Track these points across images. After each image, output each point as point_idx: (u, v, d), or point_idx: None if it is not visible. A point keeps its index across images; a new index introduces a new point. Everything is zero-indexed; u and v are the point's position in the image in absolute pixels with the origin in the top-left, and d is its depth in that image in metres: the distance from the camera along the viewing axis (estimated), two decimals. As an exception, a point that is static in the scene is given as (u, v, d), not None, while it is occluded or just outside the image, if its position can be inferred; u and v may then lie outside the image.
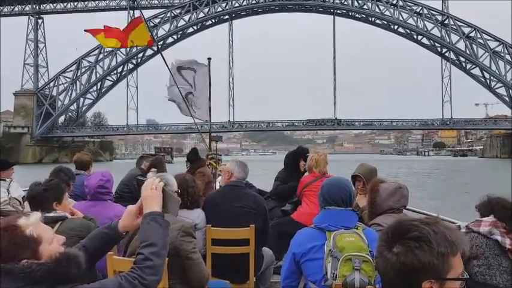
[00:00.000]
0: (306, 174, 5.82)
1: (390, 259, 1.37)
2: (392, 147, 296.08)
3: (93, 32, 6.29)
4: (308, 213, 4.92)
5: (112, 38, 6.32)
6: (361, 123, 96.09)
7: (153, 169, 6.41)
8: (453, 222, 3.72)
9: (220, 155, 8.19)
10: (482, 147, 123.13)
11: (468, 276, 1.39)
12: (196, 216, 4.08)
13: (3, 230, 1.77)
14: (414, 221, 1.40)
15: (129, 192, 5.86)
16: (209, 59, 7.57)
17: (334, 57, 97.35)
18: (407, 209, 3.99)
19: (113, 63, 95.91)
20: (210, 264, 4.00)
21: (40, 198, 3.21)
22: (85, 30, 6.31)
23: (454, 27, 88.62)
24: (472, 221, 3.08)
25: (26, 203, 3.61)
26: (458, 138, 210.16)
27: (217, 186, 6.40)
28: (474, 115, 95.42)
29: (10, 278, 1.71)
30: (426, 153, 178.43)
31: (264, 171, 28.25)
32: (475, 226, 2.96)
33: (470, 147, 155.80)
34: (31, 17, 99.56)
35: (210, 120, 7.70)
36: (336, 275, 2.56)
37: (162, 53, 7.52)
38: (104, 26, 6.40)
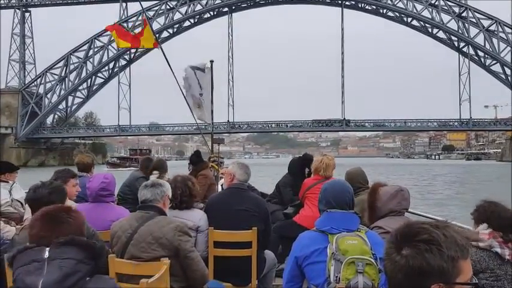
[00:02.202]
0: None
1: (399, 262, 1.39)
2: (397, 150, 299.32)
3: (110, 29, 7.41)
4: (310, 216, 4.92)
5: (124, 41, 7.17)
6: (372, 123, 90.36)
7: (155, 172, 6.52)
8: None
9: (223, 158, 8.35)
10: (499, 150, 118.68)
11: (477, 281, 1.43)
12: (198, 218, 4.19)
13: (76, 211, 2.15)
14: (424, 224, 1.43)
15: (132, 195, 5.87)
16: (211, 61, 7.78)
17: (342, 53, 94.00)
18: (410, 212, 4.10)
19: (104, 58, 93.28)
20: (212, 267, 4.12)
21: (45, 201, 3.25)
22: (106, 28, 7.49)
23: (473, 20, 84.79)
24: None
25: (27, 205, 3.72)
26: (467, 141, 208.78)
27: (220, 189, 6.55)
28: (483, 117, 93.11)
29: (75, 248, 1.95)
30: (436, 156, 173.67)
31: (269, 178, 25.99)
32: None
33: (482, 150, 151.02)
34: (17, 10, 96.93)
35: (213, 123, 7.84)
36: (339, 278, 2.60)
37: (156, 49, 7.77)
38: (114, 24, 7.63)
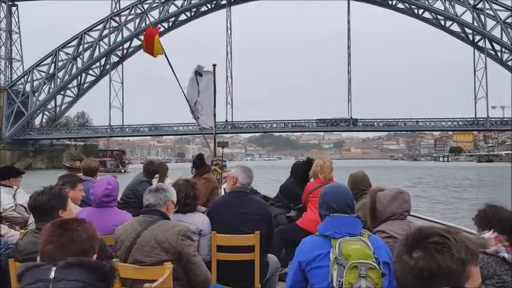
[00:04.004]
0: (311, 180, 6.07)
1: (408, 263, 1.43)
2: (401, 152, 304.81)
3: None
4: (313, 219, 4.99)
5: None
6: (381, 123, 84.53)
7: (156, 175, 6.64)
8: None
9: (225, 161, 8.39)
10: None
11: None
12: (201, 222, 4.28)
13: (89, 223, 2.13)
14: (435, 228, 1.49)
15: (135, 198, 6.08)
16: (214, 65, 7.92)
17: (348, 47, 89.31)
18: (412, 215, 4.16)
19: (96, 54, 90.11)
20: (215, 271, 4.22)
21: (47, 208, 3.38)
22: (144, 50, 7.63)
23: (490, 12, 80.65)
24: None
25: None
26: (474, 143, 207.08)
27: (223, 192, 6.70)
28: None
29: (83, 270, 1.93)
30: (444, 158, 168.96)
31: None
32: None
33: (492, 152, 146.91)
34: (3, 4, 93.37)
35: (215, 127, 8.00)
36: (342, 283, 2.65)
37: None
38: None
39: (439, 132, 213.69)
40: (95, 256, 2.06)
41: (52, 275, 1.88)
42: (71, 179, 4.96)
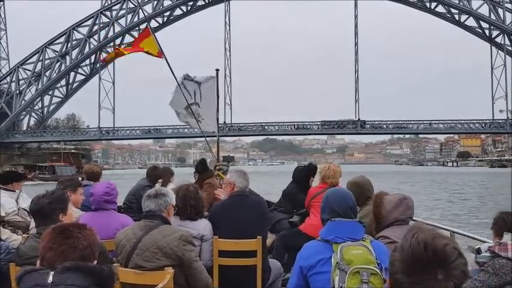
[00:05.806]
0: (315, 185, 6.23)
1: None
2: (405, 157, 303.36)
3: (108, 58, 8.12)
4: (316, 224, 5.16)
5: (123, 51, 7.42)
6: (391, 125, 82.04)
7: (160, 180, 6.82)
8: (477, 239, 4.31)
9: (227, 166, 8.17)
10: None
11: None
12: (203, 227, 4.39)
13: (90, 229, 2.23)
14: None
15: (137, 203, 6.15)
16: (217, 70, 8.10)
17: (356, 44, 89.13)
18: (414, 221, 4.30)
19: (85, 52, 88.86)
20: (217, 276, 4.32)
21: (46, 211, 3.47)
22: (101, 61, 8.26)
23: (509, 5, 78.87)
24: (496, 244, 3.31)
25: None
26: (482, 147, 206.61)
27: None
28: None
29: (81, 274, 2.01)
30: (454, 163, 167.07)
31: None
32: (502, 251, 3.20)
33: (502, 157, 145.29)
34: None
35: (218, 132, 8.10)
36: None
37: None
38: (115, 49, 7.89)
39: (445, 137, 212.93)
40: (95, 262, 2.12)
41: (50, 279, 1.94)
42: (71, 182, 5.08)
